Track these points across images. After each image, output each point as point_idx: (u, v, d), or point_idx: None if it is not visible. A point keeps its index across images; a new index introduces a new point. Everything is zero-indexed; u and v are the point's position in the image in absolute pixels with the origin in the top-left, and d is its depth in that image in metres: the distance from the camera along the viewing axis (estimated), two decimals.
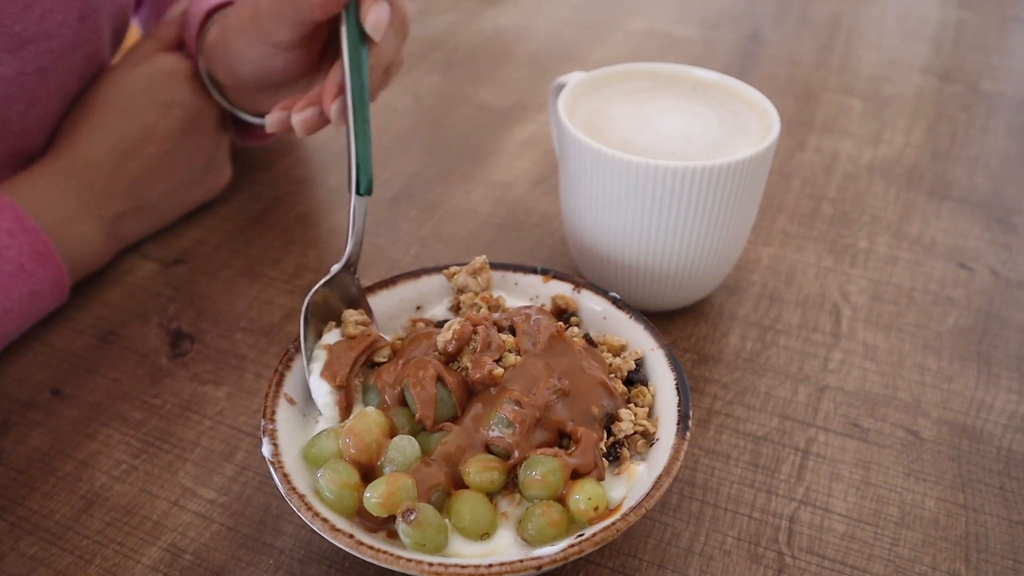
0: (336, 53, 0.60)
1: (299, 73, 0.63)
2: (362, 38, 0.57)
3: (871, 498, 0.50)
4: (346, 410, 0.48)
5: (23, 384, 0.58)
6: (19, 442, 0.54)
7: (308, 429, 0.48)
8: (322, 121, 0.60)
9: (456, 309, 0.54)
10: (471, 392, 0.46)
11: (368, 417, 0.44)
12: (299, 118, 0.59)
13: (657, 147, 0.55)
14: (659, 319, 0.61)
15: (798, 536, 0.48)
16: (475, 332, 0.47)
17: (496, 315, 0.50)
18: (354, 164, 0.53)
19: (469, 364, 0.46)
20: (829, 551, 0.47)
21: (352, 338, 0.50)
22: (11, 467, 0.52)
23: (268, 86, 0.65)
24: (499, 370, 0.45)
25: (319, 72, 0.65)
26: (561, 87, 0.62)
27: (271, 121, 0.62)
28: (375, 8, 0.56)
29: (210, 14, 0.67)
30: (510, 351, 0.47)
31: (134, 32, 0.78)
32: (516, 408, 0.44)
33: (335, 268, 0.52)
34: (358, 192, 0.53)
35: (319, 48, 0.63)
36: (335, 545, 0.46)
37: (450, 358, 0.47)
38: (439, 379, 0.46)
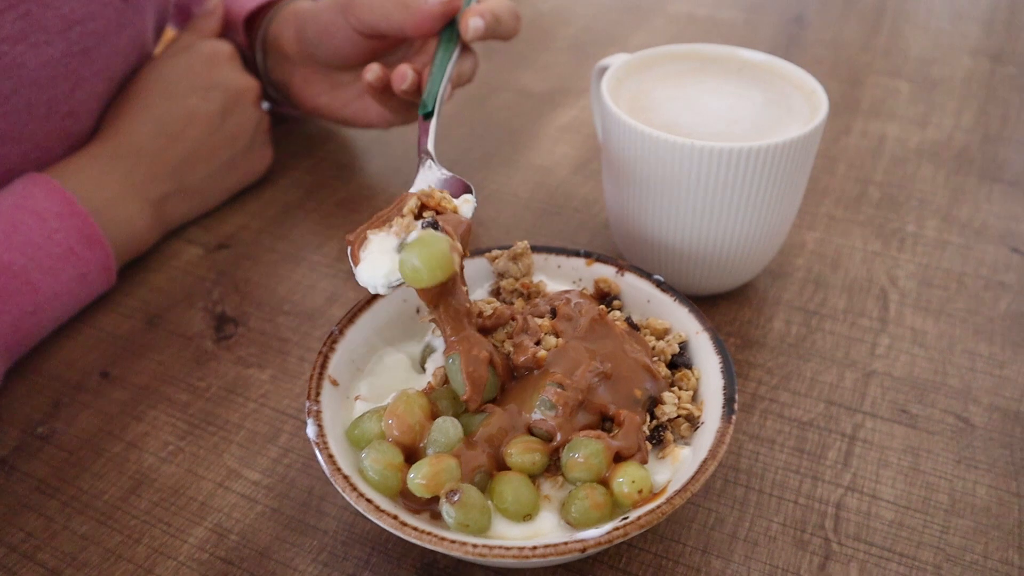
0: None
1: (370, 58, 0.70)
2: (456, 37, 0.65)
3: (920, 485, 0.49)
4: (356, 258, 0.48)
5: (73, 367, 0.59)
6: (70, 423, 0.55)
7: (351, 411, 0.48)
8: (414, 80, 0.64)
9: (496, 293, 0.54)
10: (513, 374, 0.46)
11: (410, 399, 0.44)
12: (398, 72, 0.64)
13: (703, 128, 0.55)
14: (702, 303, 0.61)
15: (845, 523, 0.47)
16: (512, 319, 0.47)
17: (537, 300, 0.50)
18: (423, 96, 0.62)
19: (511, 348, 0.46)
20: (877, 538, 0.46)
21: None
22: (62, 448, 0.53)
23: (337, 67, 0.72)
24: (543, 352, 0.45)
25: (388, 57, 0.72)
26: (604, 69, 0.62)
27: (371, 67, 0.66)
28: (473, 19, 0.63)
29: (259, 10, 0.74)
30: (548, 334, 0.47)
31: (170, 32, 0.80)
32: (559, 390, 0.43)
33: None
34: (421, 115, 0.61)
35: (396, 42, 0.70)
36: (378, 526, 0.47)
37: (484, 331, 0.47)
38: (490, 361, 0.45)
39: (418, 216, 0.48)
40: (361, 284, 0.47)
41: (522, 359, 0.45)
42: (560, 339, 0.46)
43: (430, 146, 0.58)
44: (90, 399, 0.57)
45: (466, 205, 0.50)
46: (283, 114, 0.84)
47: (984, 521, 0.47)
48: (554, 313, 0.48)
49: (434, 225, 0.46)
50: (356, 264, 0.47)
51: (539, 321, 0.47)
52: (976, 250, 0.66)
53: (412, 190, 0.53)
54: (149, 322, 0.62)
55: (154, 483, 0.51)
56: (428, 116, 0.60)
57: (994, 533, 0.47)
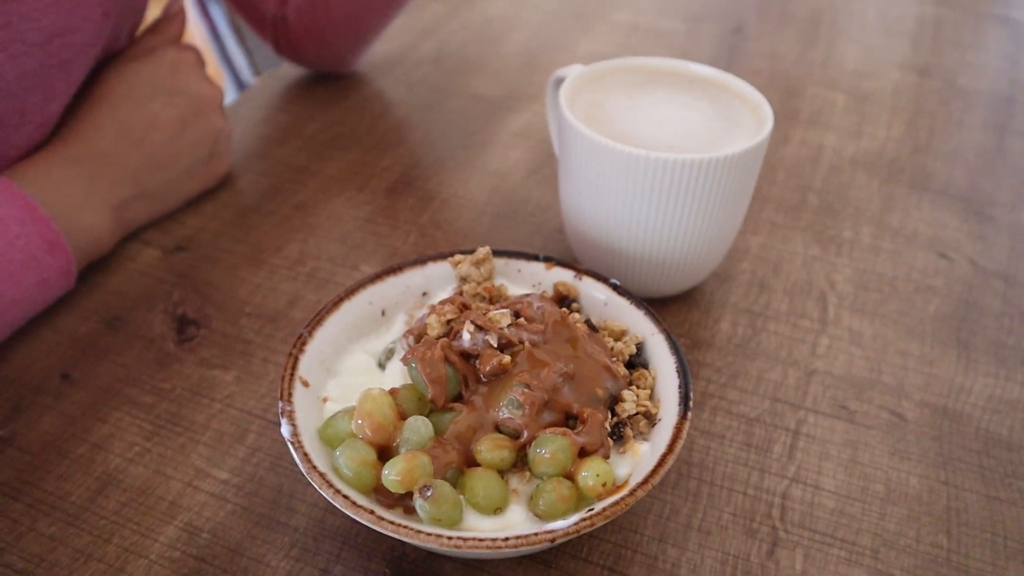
0: None
1: None
2: None
3: (858, 476, 0.53)
4: None
5: (31, 369, 0.59)
6: (31, 426, 0.55)
7: (321, 412, 0.49)
8: None
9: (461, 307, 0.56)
10: (476, 370, 0.48)
11: (376, 399, 0.46)
12: None
13: (655, 140, 0.57)
14: (653, 305, 0.64)
15: (790, 512, 0.50)
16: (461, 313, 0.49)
17: (499, 304, 0.52)
18: None
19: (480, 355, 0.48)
20: (820, 525, 0.50)
21: None
22: (24, 450, 0.53)
23: None
24: (507, 358, 0.47)
25: None
26: (560, 80, 0.64)
27: None
28: None
29: None
30: (509, 326, 0.49)
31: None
32: (526, 390, 0.45)
33: None
34: None
35: None
36: (349, 521, 0.48)
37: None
38: (445, 358, 0.47)
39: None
40: None
41: (488, 368, 0.47)
42: (520, 328, 0.48)
43: None
44: (51, 401, 0.57)
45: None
46: None
47: (916, 508, 0.51)
48: (517, 315, 0.50)
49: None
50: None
51: (494, 313, 0.49)
52: (907, 255, 0.71)
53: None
54: (108, 324, 0.63)
55: (121, 484, 0.52)
56: None
57: (925, 519, 0.50)
